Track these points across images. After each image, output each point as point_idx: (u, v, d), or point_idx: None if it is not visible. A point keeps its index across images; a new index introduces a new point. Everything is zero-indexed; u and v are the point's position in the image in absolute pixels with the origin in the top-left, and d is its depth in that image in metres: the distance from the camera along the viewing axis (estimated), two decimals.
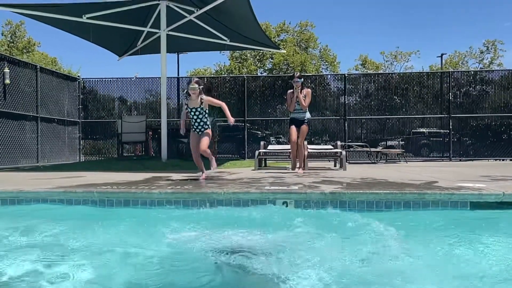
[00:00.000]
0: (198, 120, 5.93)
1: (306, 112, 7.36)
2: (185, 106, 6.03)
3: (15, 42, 31.75)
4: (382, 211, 4.12)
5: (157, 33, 10.54)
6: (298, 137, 7.28)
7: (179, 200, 4.34)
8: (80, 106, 13.43)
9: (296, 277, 2.46)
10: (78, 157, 13.21)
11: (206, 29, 10.67)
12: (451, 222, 3.77)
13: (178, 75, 24.10)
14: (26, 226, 3.65)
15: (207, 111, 5.97)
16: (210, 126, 6.08)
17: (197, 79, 6.00)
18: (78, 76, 13.76)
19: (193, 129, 6.02)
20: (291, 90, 7.36)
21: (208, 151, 5.97)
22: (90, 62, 51.03)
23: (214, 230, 3.45)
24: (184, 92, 6.02)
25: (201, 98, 5.86)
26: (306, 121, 7.33)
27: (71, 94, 13.10)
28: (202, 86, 5.89)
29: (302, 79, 7.28)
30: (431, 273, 2.58)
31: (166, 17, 9.79)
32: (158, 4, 9.83)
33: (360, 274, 2.55)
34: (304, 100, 7.21)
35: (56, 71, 13.90)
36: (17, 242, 3.23)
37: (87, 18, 9.25)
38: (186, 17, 9.92)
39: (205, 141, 5.90)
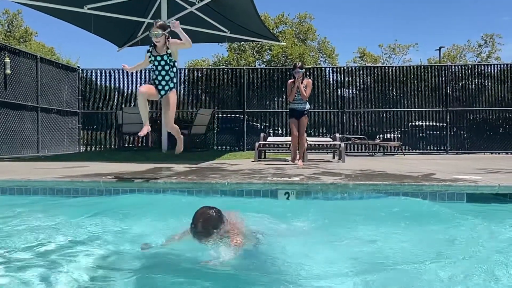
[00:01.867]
0: (163, 73, 4.59)
1: (306, 102, 7.33)
2: (148, 54, 4.65)
3: (12, 32, 31.59)
4: (381, 201, 4.24)
5: None
6: (298, 129, 7.29)
7: (184, 190, 4.45)
8: (80, 97, 13.46)
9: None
10: (77, 148, 13.27)
11: (206, 21, 10.69)
12: (449, 212, 3.89)
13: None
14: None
15: (175, 62, 4.66)
16: (176, 86, 4.74)
17: (161, 22, 4.60)
18: (78, 66, 13.77)
19: (155, 86, 4.65)
20: (292, 80, 7.33)
21: (177, 127, 4.84)
22: (86, 53, 50.83)
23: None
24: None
25: (167, 43, 4.54)
26: (305, 112, 7.33)
27: (71, 84, 13.12)
28: (168, 31, 4.49)
29: (304, 70, 7.27)
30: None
31: (167, 8, 9.81)
32: None
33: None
34: (305, 90, 7.21)
35: (56, 61, 13.88)
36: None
37: (88, 8, 9.26)
38: (186, 8, 9.95)
39: (172, 113, 4.69)
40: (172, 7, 9.92)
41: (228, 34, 11.32)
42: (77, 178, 4.64)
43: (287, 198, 4.34)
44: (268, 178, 4.67)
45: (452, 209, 3.90)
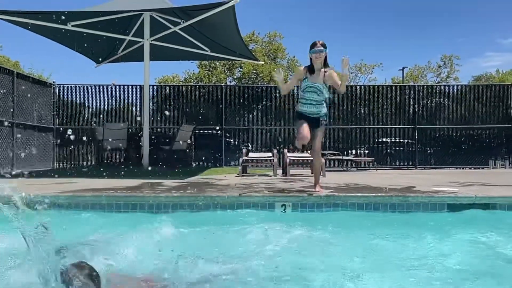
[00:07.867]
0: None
1: (322, 104, 5.14)
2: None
3: None
4: (371, 212, 4.59)
5: (139, 42, 10.72)
6: (310, 138, 5.04)
7: (184, 204, 4.63)
8: (55, 112, 13.30)
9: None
10: (52, 164, 13.03)
11: (188, 39, 10.94)
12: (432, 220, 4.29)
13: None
14: None
15: None
16: None
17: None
18: (53, 82, 13.63)
19: None
20: (304, 67, 5.21)
21: None
22: (57, 66, 49.66)
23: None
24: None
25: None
26: (321, 119, 5.15)
27: (46, 100, 12.96)
28: None
29: (327, 50, 5.01)
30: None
31: (149, 27, 10.00)
32: (141, 14, 10.02)
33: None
34: (335, 82, 4.98)
35: (31, 76, 13.69)
36: None
37: (72, 26, 9.31)
38: (169, 27, 10.16)
39: None
40: (154, 25, 10.10)
41: (209, 53, 11.59)
42: (79, 193, 4.73)
43: (284, 210, 4.61)
44: (266, 191, 4.93)
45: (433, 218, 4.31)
